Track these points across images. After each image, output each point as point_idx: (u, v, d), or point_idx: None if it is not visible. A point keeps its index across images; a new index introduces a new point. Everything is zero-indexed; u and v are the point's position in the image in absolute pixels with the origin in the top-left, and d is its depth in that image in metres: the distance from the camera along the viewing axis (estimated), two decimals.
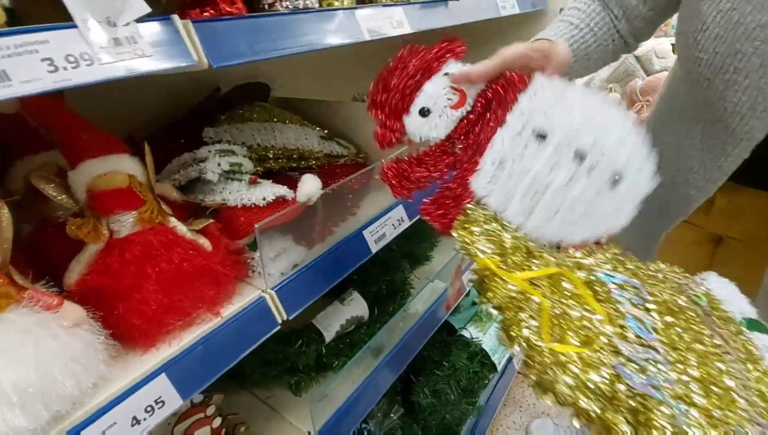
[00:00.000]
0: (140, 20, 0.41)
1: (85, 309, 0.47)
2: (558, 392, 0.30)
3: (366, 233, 0.75)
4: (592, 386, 0.30)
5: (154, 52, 0.41)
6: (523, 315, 0.32)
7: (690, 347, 0.36)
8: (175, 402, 0.51)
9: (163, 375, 0.50)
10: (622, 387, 0.31)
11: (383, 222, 0.79)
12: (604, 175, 0.47)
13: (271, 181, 0.63)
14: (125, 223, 0.52)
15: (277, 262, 0.62)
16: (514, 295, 0.33)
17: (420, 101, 0.52)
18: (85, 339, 0.46)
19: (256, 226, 0.53)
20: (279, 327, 0.61)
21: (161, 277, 0.51)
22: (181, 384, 0.51)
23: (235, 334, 0.57)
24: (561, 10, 1.34)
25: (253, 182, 0.61)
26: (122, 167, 0.52)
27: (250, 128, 0.79)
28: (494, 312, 0.32)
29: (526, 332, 0.31)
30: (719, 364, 0.36)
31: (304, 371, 0.86)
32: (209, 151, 0.62)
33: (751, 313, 0.46)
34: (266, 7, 0.53)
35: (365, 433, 0.99)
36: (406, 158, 0.53)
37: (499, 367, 1.22)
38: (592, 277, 0.40)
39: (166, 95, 0.90)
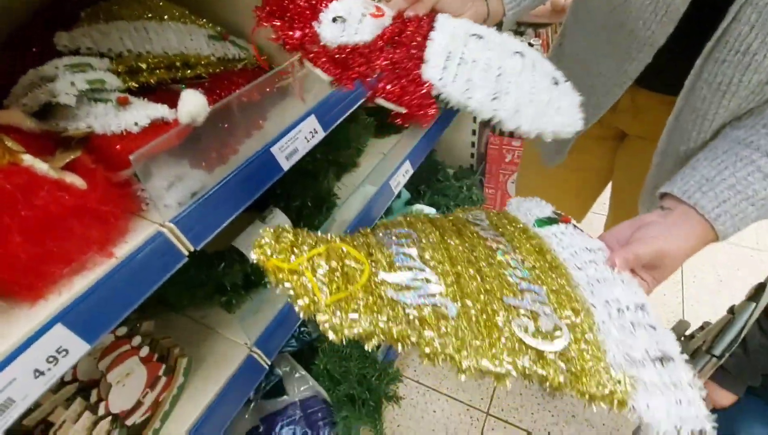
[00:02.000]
0: None
1: None
2: (347, 328, 0.34)
3: (275, 150, 0.70)
4: (375, 313, 0.36)
5: None
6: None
7: (457, 257, 0.45)
8: (80, 348, 0.49)
9: (59, 325, 0.47)
10: (398, 307, 0.37)
11: (294, 136, 0.74)
12: (545, 73, 0.51)
13: (145, 99, 0.54)
14: None
15: (172, 192, 0.57)
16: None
17: (330, 13, 0.49)
18: None
19: (131, 157, 0.47)
20: (186, 259, 0.58)
21: (25, 226, 0.44)
22: (83, 330, 0.49)
23: (136, 273, 0.53)
24: None
25: (123, 103, 0.52)
26: None
27: (117, 29, 0.65)
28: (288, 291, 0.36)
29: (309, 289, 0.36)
30: (489, 261, 0.45)
31: (233, 290, 0.87)
32: (56, 68, 0.50)
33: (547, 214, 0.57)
34: None
35: (304, 335, 1.06)
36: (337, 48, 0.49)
37: None
38: (375, 240, 0.47)
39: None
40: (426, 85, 0.48)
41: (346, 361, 1.05)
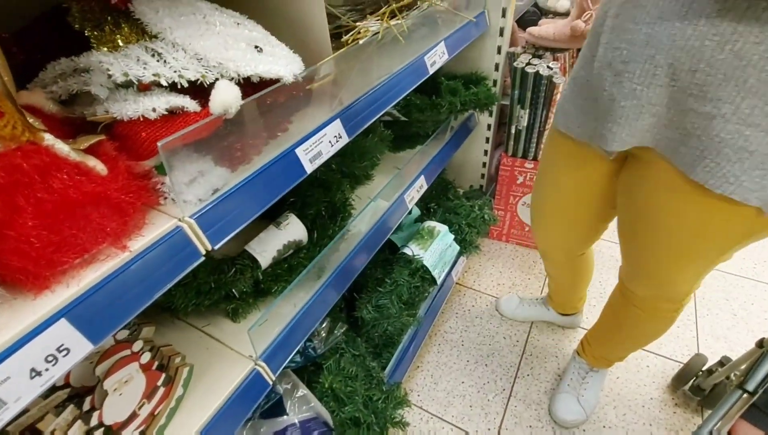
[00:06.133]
0: None
1: None
2: None
3: (299, 151, 0.68)
4: None
5: None
6: None
7: None
8: (83, 348, 0.45)
9: (63, 320, 0.43)
10: None
11: (318, 139, 0.71)
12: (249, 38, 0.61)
13: (167, 88, 0.52)
14: None
15: (194, 187, 0.54)
16: None
17: None
18: None
19: (160, 144, 0.44)
20: (203, 259, 0.55)
21: (40, 209, 0.41)
22: (89, 328, 0.45)
23: (151, 269, 0.50)
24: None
25: (143, 89, 0.50)
26: None
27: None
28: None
29: None
30: None
31: (241, 298, 0.82)
32: (113, 57, 0.48)
33: None
34: None
35: (309, 350, 1.01)
36: None
37: (439, 281, 1.27)
38: None
39: None
40: None
41: (352, 380, 0.99)
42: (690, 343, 1.45)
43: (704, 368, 1.20)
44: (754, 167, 0.57)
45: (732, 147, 0.58)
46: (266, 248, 0.82)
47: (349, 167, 1.12)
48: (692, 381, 1.23)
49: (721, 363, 1.14)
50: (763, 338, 0.83)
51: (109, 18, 0.59)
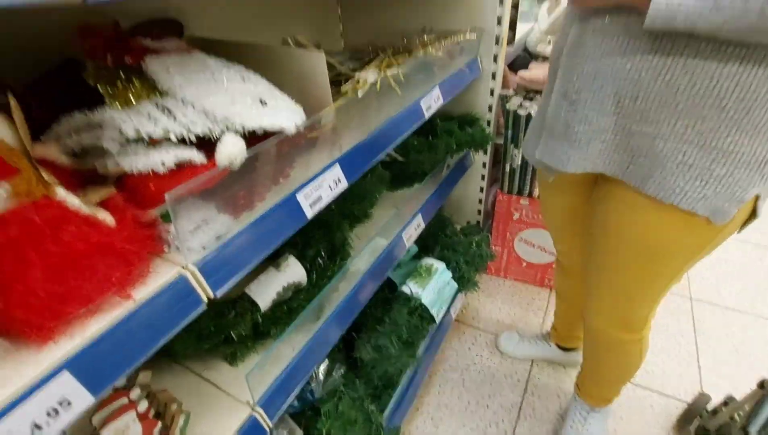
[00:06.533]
0: None
1: None
2: None
3: (300, 197, 0.70)
4: None
5: None
6: None
7: None
8: (84, 400, 0.45)
9: (65, 372, 0.43)
10: None
11: (318, 184, 0.74)
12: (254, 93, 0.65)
13: (176, 141, 0.54)
14: None
15: (197, 235, 0.55)
16: None
17: None
18: None
19: (167, 195, 0.46)
20: (204, 307, 0.55)
21: (49, 262, 0.42)
22: (91, 380, 0.45)
23: (154, 318, 0.50)
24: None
25: (153, 143, 0.52)
26: None
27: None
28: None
29: None
30: None
31: (240, 341, 0.82)
32: (125, 114, 0.51)
33: None
34: None
35: (307, 394, 0.99)
36: None
37: (438, 319, 1.26)
38: None
39: (53, 31, 0.73)
40: None
41: (351, 425, 0.97)
42: (693, 379, 1.43)
43: (708, 408, 1.18)
44: (695, 178, 0.65)
45: (674, 162, 0.65)
46: (266, 290, 0.82)
47: (349, 208, 1.14)
48: (697, 421, 1.21)
49: (726, 403, 1.12)
50: (764, 379, 0.83)
51: (121, 74, 0.62)
